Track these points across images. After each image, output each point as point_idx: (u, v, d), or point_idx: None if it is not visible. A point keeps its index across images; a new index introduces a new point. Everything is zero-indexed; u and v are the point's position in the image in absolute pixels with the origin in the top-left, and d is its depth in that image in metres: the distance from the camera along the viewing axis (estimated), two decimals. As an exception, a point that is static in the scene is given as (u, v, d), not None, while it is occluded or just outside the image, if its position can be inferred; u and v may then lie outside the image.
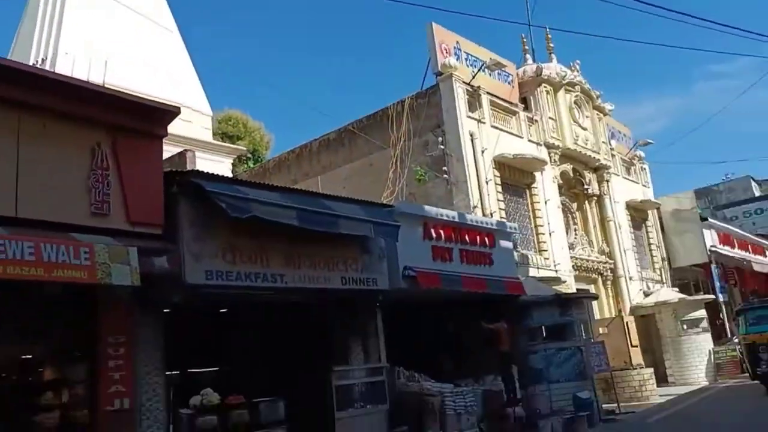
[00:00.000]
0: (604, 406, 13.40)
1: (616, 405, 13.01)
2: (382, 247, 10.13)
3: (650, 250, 21.94)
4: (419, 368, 11.98)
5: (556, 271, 16.10)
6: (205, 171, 8.19)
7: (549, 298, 12.65)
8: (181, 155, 12.88)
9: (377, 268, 9.96)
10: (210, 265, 7.37)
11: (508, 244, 13.17)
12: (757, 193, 47.65)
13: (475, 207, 14.15)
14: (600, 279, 19.03)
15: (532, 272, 15.21)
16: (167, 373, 7.80)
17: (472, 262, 11.94)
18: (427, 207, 11.83)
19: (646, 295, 19.77)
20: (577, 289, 17.20)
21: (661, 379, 18.38)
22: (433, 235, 11.27)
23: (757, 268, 23.71)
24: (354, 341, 10.16)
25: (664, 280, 21.77)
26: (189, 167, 10.04)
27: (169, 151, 14.83)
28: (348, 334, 10.12)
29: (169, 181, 7.16)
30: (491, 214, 14.33)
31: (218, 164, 17.38)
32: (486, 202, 14.63)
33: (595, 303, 18.74)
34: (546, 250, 16.19)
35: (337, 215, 8.80)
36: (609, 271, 19.26)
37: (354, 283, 9.48)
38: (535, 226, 16.36)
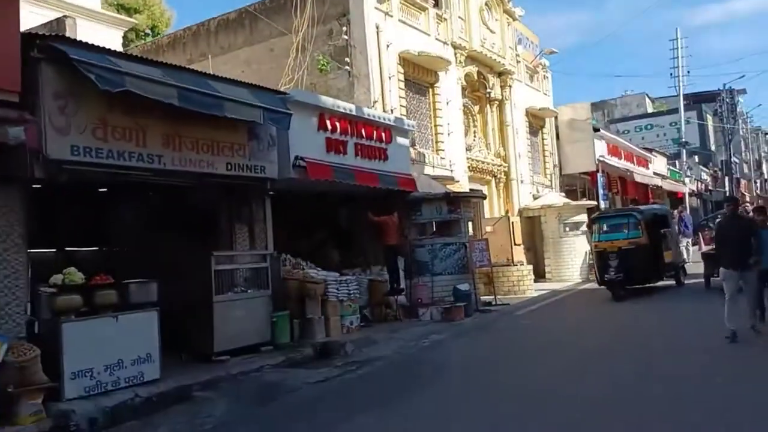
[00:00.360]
0: (483, 297, 14.32)
1: (493, 297, 13.94)
2: (272, 135, 9.92)
3: (544, 156, 22.89)
4: (311, 258, 12.25)
5: (452, 170, 16.52)
6: (77, 39, 7.55)
7: (439, 195, 13.03)
8: (60, 21, 11.77)
9: (266, 156, 9.79)
10: (77, 140, 6.94)
11: (405, 141, 13.28)
12: (650, 110, 50.33)
13: (375, 102, 14.03)
14: (494, 181, 19.77)
15: (428, 170, 15.52)
16: (34, 250, 7.50)
17: (366, 156, 11.99)
18: (323, 97, 11.60)
19: (535, 198, 20.81)
20: (470, 189, 17.80)
21: (540, 276, 19.78)
22: (329, 126, 11.14)
23: (638, 178, 25.41)
24: (240, 228, 10.12)
25: (554, 186, 22.94)
26: (69, 35, 9.21)
27: (46, 16, 13.57)
28: (234, 221, 10.05)
29: (28, 44, 6.52)
30: (392, 111, 14.29)
31: (105, 36, 16.06)
32: (387, 97, 14.52)
33: (486, 203, 19.57)
34: (443, 150, 16.49)
35: (224, 98, 8.43)
36: (503, 173, 20.00)
37: (240, 170, 9.30)
38: (435, 126, 16.54)
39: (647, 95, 52.04)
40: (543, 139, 22.97)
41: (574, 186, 25.03)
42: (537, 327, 11.21)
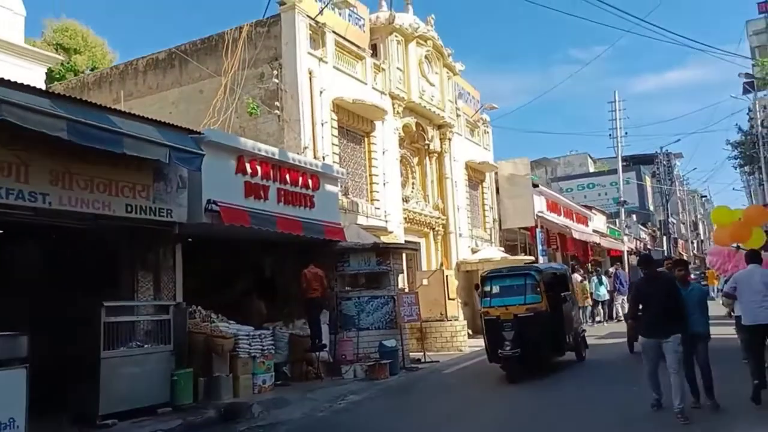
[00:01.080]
0: (413, 354, 13.67)
1: (422, 354, 13.29)
2: (183, 176, 9.28)
3: (483, 210, 22.79)
4: (235, 310, 11.48)
5: (386, 221, 16.08)
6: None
7: (367, 245, 12.50)
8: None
9: (174, 199, 9.12)
10: (-62, 172, 6.17)
11: (334, 189, 12.79)
12: (592, 169, 51.77)
13: (306, 148, 13.57)
14: (432, 233, 19.42)
15: (361, 220, 15.04)
16: None
17: (290, 203, 11.41)
18: (242, 139, 11.06)
19: (474, 252, 20.53)
20: (406, 241, 17.39)
21: (478, 332, 19.29)
22: (248, 170, 10.56)
23: (576, 235, 25.56)
24: (144, 275, 9.31)
25: (493, 240, 22.78)
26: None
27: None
28: (137, 268, 9.24)
29: None
30: (323, 158, 13.84)
31: (26, 72, 15.27)
32: (319, 144, 14.09)
33: (424, 256, 19.18)
34: (378, 200, 16.08)
35: (123, 133, 7.79)
36: (441, 226, 19.70)
37: (142, 212, 8.59)
38: (370, 175, 16.16)
39: (589, 155, 53.64)
40: (483, 192, 22.92)
41: (515, 241, 24.97)
42: (461, 386, 10.54)
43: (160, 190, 8.91)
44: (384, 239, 15.14)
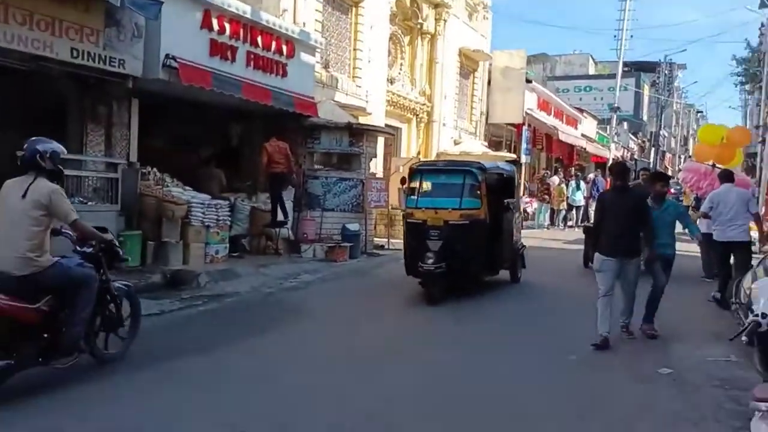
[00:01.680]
0: (378, 240, 13.50)
1: (386, 241, 13.10)
2: (139, 24, 8.45)
3: (472, 101, 21.96)
4: (195, 176, 11.02)
5: (367, 101, 15.34)
6: None
7: (340, 124, 11.88)
8: None
9: (128, 49, 8.35)
10: None
11: (310, 59, 11.95)
12: (592, 72, 50.14)
13: (285, 11, 12.52)
14: (415, 119, 18.74)
15: (339, 97, 14.31)
16: None
17: (261, 68, 10.62)
18: (210, -10, 10.06)
19: (456, 144, 19.98)
20: (387, 125, 16.75)
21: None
22: (215, 26, 9.67)
23: (562, 137, 24.93)
24: (94, 129, 8.73)
25: (478, 134, 22.17)
26: None
27: None
28: (87, 120, 8.64)
29: None
30: (303, 24, 12.84)
31: None
32: (302, 8, 13.03)
33: (404, 142, 18.62)
34: (360, 78, 15.23)
35: (67, -34, 6.91)
36: (425, 113, 18.99)
37: (91, 59, 7.85)
38: (354, 50, 15.19)
39: (591, 57, 51.72)
40: (473, 83, 21.96)
41: (501, 137, 24.37)
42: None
43: (112, 37, 8.12)
44: (362, 120, 14.50)
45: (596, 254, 6.29)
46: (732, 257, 8.00)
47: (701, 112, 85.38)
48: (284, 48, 11.07)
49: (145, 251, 8.81)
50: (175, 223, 9.01)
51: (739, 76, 37.87)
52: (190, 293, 7.95)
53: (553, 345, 6.17)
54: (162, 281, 8.27)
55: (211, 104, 10.80)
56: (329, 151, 12.18)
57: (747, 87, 38.93)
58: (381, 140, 14.34)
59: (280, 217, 11.15)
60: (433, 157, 19.00)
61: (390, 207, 13.55)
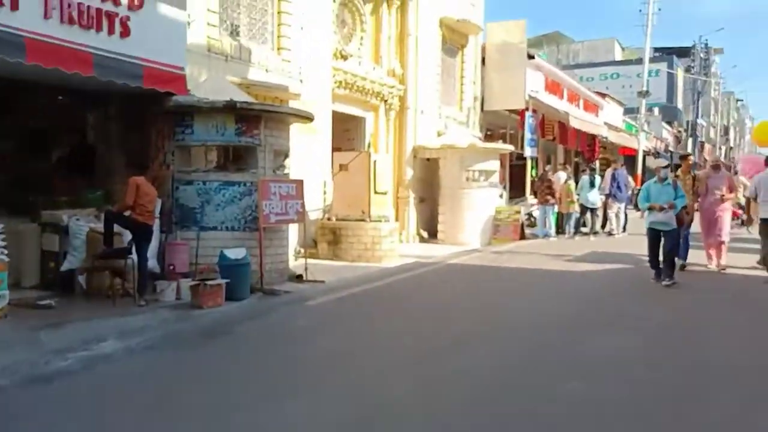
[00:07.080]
0: (299, 265, 9.70)
1: (305, 269, 9.22)
2: None
3: (462, 84, 18.02)
4: (51, 186, 7.61)
5: (300, 80, 11.65)
6: None
7: (218, 104, 8.13)
8: None
9: None
10: None
11: (177, 14, 8.29)
12: (618, 58, 45.54)
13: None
14: (383, 106, 14.97)
15: (256, 74, 10.68)
16: None
17: (75, 22, 7.00)
18: None
19: (440, 135, 16.15)
20: (341, 113, 13.14)
21: (433, 235, 15.43)
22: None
23: (576, 124, 20.65)
24: None
25: (471, 124, 18.27)
26: None
27: None
28: None
29: None
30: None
31: None
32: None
33: (371, 136, 14.85)
34: (288, 50, 11.55)
35: None
36: (397, 98, 15.20)
37: None
38: (279, 13, 11.51)
39: (618, 41, 47.13)
40: (462, 62, 18.02)
41: (503, 127, 20.40)
42: (308, 338, 6.34)
43: None
44: (294, 104, 10.84)
45: None
46: None
47: (741, 100, 79.62)
48: (124, -7, 7.46)
49: None
50: None
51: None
52: None
53: None
54: None
55: (73, 89, 7.35)
56: (206, 144, 8.48)
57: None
58: (334, 132, 10.61)
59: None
60: (408, 152, 15.25)
61: (335, 218, 9.80)
